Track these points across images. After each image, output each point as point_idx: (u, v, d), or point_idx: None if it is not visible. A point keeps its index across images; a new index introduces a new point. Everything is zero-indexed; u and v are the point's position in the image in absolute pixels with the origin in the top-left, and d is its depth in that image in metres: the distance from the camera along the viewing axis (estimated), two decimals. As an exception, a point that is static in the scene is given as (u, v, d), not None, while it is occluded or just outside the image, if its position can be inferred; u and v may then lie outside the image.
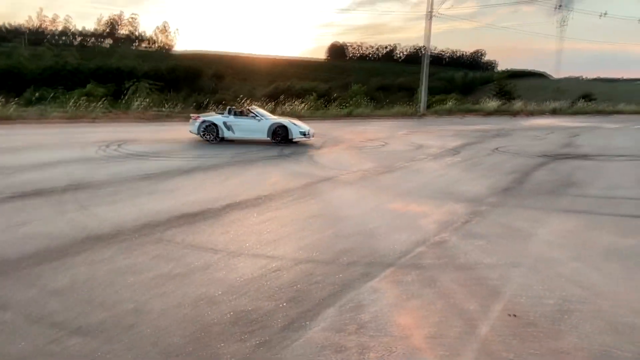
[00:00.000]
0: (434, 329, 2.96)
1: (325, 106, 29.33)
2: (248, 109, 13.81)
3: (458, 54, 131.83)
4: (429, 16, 32.01)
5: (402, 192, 7.10)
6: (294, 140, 13.12)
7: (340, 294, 3.44)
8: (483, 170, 9.45)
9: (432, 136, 16.80)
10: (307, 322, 3.02)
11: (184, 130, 14.83)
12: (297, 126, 13.39)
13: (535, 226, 5.32)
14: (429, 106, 35.23)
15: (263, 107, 20.75)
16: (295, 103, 26.98)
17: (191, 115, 14.25)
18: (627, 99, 56.07)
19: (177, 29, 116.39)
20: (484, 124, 25.00)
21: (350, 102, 30.99)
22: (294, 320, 3.05)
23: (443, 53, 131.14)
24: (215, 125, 13.01)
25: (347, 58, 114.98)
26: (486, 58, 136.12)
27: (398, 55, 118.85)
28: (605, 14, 46.26)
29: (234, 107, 15.62)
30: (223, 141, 13.14)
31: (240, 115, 13.31)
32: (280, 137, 13.04)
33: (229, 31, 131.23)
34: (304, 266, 3.97)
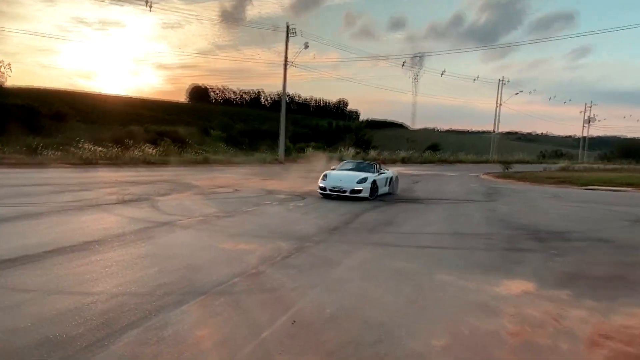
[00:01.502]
0: (225, 336, 3.76)
1: (181, 152, 29.50)
2: None
3: (323, 103, 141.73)
4: (285, 65, 34.64)
5: (238, 233, 7.93)
6: None
7: (149, 318, 4.07)
8: (321, 213, 10.77)
9: (284, 183, 18.13)
10: (112, 340, 3.60)
11: (12, 176, 14.04)
12: None
13: (344, 256, 6.52)
14: (289, 153, 37.32)
15: (106, 153, 20.45)
16: (146, 148, 26.74)
17: None
18: (472, 149, 65.57)
19: (9, 63, 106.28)
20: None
21: (208, 149, 31.59)
22: (99, 339, 3.61)
23: (308, 101, 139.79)
24: None
25: (211, 101, 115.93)
26: (350, 107, 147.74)
27: (264, 102, 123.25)
28: (444, 72, 54.35)
29: None
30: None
31: None
32: None
33: (74, 67, 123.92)
34: (120, 298, 4.51)
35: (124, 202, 11.09)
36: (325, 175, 14.31)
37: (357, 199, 13.44)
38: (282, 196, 13.78)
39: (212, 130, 38.19)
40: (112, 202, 10.88)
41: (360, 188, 13.60)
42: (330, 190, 13.68)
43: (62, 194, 12.20)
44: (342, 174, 14.31)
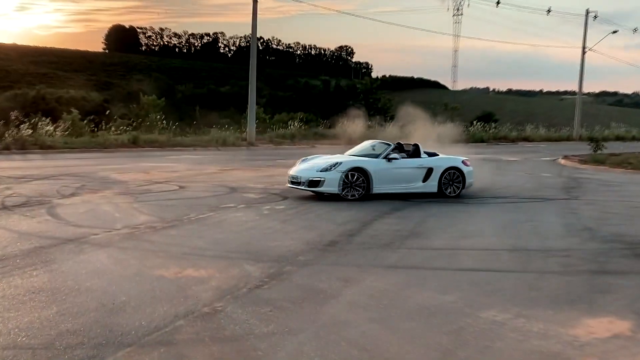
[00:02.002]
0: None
1: (95, 129, 29.50)
2: None
3: (315, 51, 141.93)
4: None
5: (183, 252, 8.01)
6: None
7: (45, 383, 4.14)
8: (310, 220, 10.89)
9: (256, 175, 18.25)
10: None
11: None
12: None
13: (342, 287, 6.60)
14: (264, 130, 37.48)
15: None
16: (40, 124, 26.74)
17: None
18: (545, 120, 65.86)
19: None
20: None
21: (138, 123, 31.62)
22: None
23: (293, 49, 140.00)
24: None
25: (142, 50, 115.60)
26: (356, 58, 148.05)
27: (223, 50, 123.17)
28: (500, 1, 54.04)
29: None
30: None
31: None
32: None
33: None
34: (4, 353, 4.57)
35: (5, 207, 11.12)
36: (303, 160, 14.63)
37: (336, 197, 13.28)
38: (252, 195, 13.85)
39: (143, 96, 38.06)
40: (-11, 209, 10.93)
41: (320, 178, 13.40)
42: (290, 181, 14.02)
43: None
44: (322, 159, 14.34)
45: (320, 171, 13.44)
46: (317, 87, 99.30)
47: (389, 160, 14.08)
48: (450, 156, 15.45)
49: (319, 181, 13.31)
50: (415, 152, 14.85)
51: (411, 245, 8.95)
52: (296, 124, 40.36)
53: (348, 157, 14.37)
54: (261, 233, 9.63)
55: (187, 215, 10.91)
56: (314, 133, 39.91)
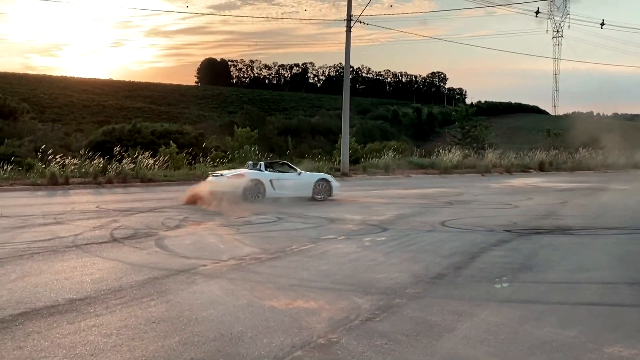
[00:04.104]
0: None
1: (192, 162, 30.51)
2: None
3: (406, 79, 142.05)
4: (349, 22, 35.10)
5: (290, 284, 8.24)
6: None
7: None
8: (414, 252, 10.94)
9: (353, 206, 18.49)
10: None
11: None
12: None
13: (456, 320, 6.65)
14: (356, 160, 37.75)
15: (80, 167, 21.93)
16: (140, 157, 27.90)
17: None
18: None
19: None
20: (436, 186, 27.51)
21: (233, 155, 32.48)
22: None
23: (383, 77, 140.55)
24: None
25: (233, 82, 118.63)
26: (449, 84, 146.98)
27: (312, 80, 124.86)
28: (604, 23, 52.87)
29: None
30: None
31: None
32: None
33: (26, 38, 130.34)
34: (133, 381, 4.88)
35: (115, 239, 11.72)
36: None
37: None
38: (351, 226, 14.06)
39: (237, 128, 39.17)
40: (99, 241, 11.54)
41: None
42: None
43: (24, 229, 13.03)
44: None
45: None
46: (408, 115, 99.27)
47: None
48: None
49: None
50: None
51: (524, 279, 8.88)
52: (389, 153, 40.40)
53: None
54: (365, 265, 9.76)
55: (289, 247, 11.20)
56: (409, 162, 39.94)
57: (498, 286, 8.34)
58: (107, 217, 15.28)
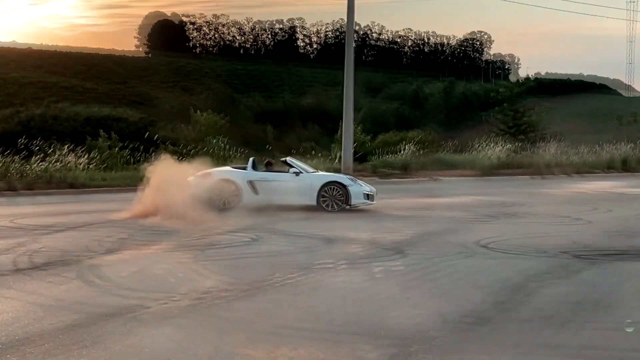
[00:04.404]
0: None
1: (133, 160, 30.30)
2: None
3: (431, 44, 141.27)
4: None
5: (273, 327, 8.19)
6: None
7: None
8: (441, 283, 10.84)
9: (358, 220, 18.52)
10: None
11: None
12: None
13: (500, 382, 6.63)
14: (364, 157, 37.44)
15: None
16: (63, 155, 27.68)
17: None
18: None
19: None
20: (473, 193, 27.44)
21: (187, 151, 32.25)
22: None
23: (400, 41, 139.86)
24: None
25: (193, 49, 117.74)
26: (493, 51, 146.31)
27: (303, 46, 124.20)
28: None
29: None
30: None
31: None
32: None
33: None
34: None
35: (35, 267, 11.62)
36: None
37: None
38: (356, 249, 14.02)
39: (197, 113, 38.77)
40: (12, 268, 11.51)
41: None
42: None
43: None
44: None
45: None
46: (436, 95, 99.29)
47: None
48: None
49: None
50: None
51: (596, 319, 8.74)
52: (409, 147, 39.83)
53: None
54: (374, 302, 9.60)
55: (269, 278, 11.02)
56: (436, 160, 39.33)
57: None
58: (24, 235, 15.20)
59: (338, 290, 10.43)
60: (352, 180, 21.35)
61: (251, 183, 19.60)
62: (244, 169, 20.77)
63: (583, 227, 17.70)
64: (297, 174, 20.46)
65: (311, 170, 21.61)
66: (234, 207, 19.02)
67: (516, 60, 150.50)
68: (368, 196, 20.65)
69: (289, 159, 22.16)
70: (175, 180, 19.24)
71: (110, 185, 27.47)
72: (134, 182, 27.28)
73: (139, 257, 12.96)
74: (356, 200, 20.41)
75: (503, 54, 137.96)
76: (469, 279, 11.23)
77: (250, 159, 20.62)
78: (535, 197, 26.51)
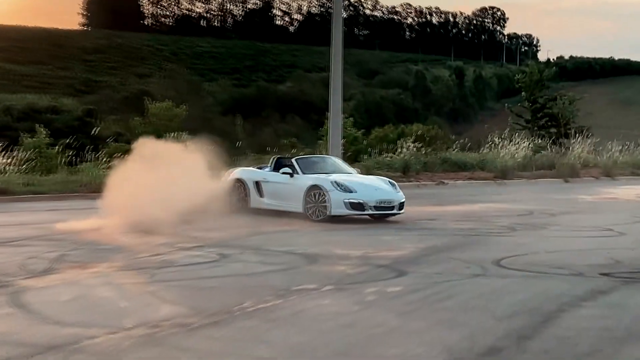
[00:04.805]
0: None
1: (76, 161, 30.22)
2: None
3: (438, 19, 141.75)
4: None
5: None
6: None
7: None
8: (450, 311, 10.86)
9: (348, 233, 18.61)
10: None
11: None
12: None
13: None
14: (356, 156, 37.54)
15: None
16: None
17: None
18: None
19: None
20: (488, 199, 27.62)
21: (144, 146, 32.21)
22: None
23: (400, 15, 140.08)
24: None
25: (146, 26, 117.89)
26: (508, 30, 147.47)
27: (281, 23, 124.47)
28: None
29: None
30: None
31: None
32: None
33: None
34: None
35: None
36: None
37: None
38: (345, 268, 14.02)
39: (152, 102, 38.69)
40: None
41: None
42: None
43: None
44: None
45: None
46: (443, 80, 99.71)
47: None
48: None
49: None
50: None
51: (633, 355, 8.81)
52: (410, 144, 39.76)
53: None
54: (366, 334, 9.55)
55: (239, 305, 10.95)
56: (442, 160, 39.31)
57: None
58: None
59: (321, 319, 10.35)
60: (392, 185, 21.90)
61: (257, 184, 20.32)
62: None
63: (623, 241, 17.85)
64: (290, 175, 20.78)
65: (350, 169, 22.57)
66: (242, 210, 20.27)
67: (535, 42, 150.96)
68: (359, 206, 20.33)
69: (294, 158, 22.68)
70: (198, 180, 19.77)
71: (49, 192, 27.28)
72: (69, 189, 27.35)
73: (83, 277, 12.85)
74: (337, 210, 20.18)
75: (519, 34, 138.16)
76: (483, 305, 11.25)
77: (273, 158, 21.37)
78: (563, 204, 26.68)
